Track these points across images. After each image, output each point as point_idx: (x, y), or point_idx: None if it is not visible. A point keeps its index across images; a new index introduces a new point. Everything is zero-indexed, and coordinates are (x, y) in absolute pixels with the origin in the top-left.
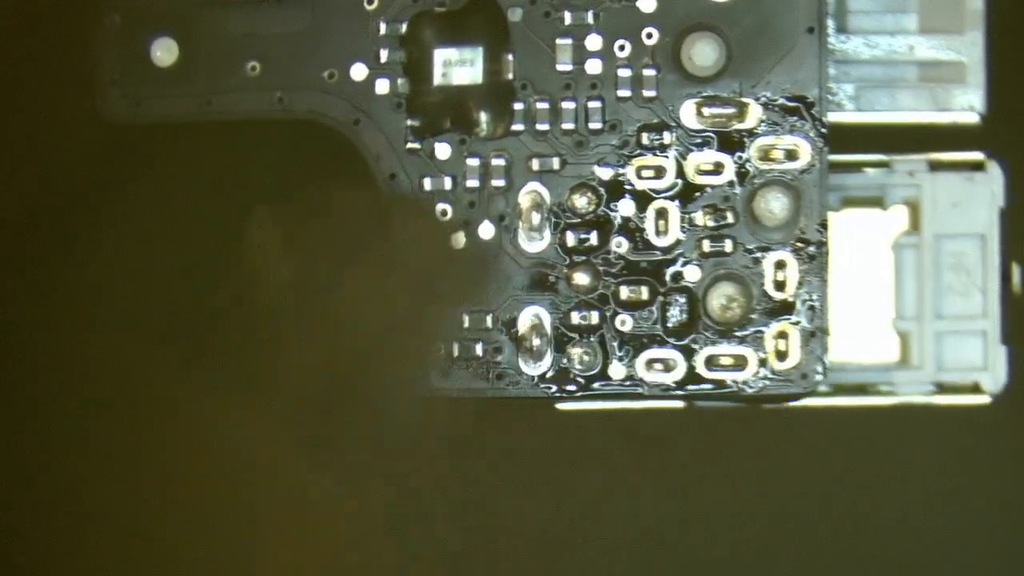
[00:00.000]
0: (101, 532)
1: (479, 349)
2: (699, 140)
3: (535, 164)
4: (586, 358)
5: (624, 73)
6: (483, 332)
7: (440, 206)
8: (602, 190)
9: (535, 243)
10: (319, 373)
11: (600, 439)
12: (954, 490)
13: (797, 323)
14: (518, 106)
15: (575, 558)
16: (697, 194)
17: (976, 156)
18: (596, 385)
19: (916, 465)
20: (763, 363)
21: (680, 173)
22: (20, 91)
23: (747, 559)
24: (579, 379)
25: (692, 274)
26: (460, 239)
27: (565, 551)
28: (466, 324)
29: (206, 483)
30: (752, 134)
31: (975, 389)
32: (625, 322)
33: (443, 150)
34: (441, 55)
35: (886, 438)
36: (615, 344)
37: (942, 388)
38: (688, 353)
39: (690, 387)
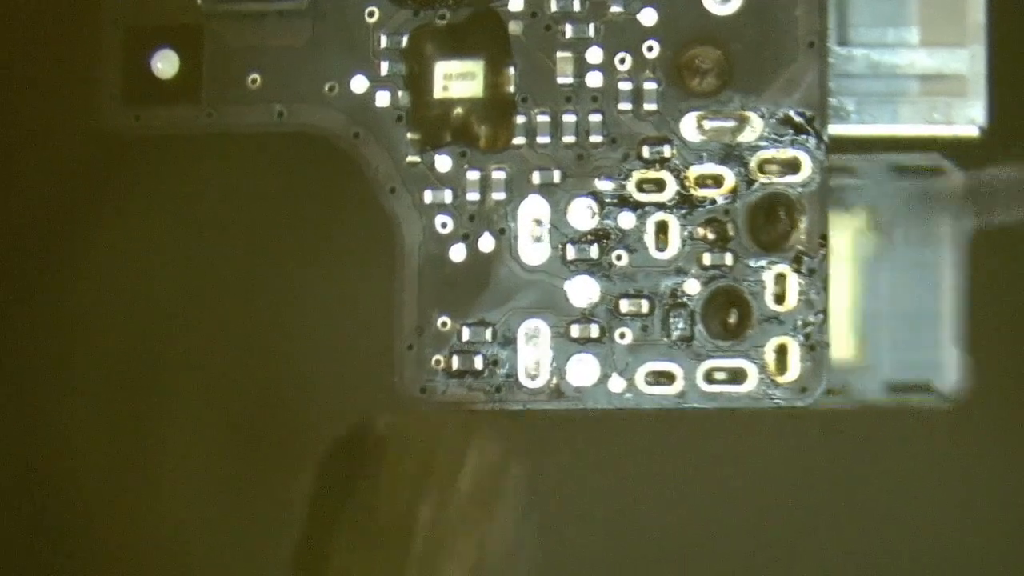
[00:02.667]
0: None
1: (479, 362)
2: (700, 153)
3: (536, 177)
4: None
5: (625, 86)
6: (483, 344)
7: (440, 218)
8: (603, 202)
9: (536, 255)
10: (316, 384)
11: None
12: (911, 492)
13: (797, 336)
14: (519, 119)
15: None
16: (698, 207)
17: (934, 160)
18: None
19: (871, 466)
20: (763, 376)
21: (680, 186)
22: (21, 103)
23: (701, 562)
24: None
25: (691, 287)
26: (460, 252)
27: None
28: (466, 337)
29: (204, 484)
30: (753, 147)
31: (929, 390)
32: (624, 335)
33: (443, 163)
34: (442, 68)
35: (842, 438)
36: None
37: (896, 389)
38: (689, 366)
39: (692, 400)
